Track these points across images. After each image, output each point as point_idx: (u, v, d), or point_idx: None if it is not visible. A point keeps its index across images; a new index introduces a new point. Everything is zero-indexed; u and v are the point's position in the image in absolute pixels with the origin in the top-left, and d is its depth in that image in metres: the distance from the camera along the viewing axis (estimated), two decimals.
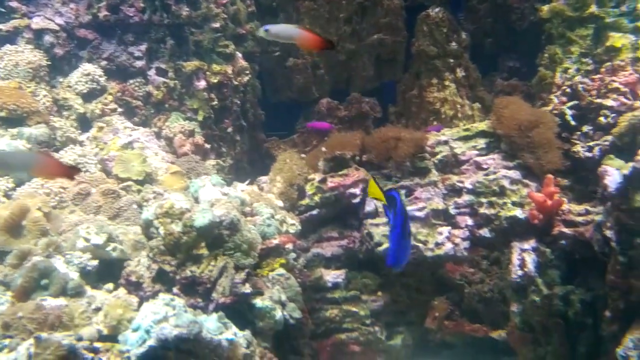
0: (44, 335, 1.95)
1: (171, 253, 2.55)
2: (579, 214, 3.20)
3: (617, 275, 2.67)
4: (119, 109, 3.82)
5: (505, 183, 3.46)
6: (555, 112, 3.56)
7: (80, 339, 2.05)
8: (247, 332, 2.32)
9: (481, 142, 3.74)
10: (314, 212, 3.73)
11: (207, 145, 3.90)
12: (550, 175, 3.23)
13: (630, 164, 2.65)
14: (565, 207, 3.22)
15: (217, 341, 2.17)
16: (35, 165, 2.12)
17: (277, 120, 5.28)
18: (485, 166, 3.61)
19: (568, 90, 3.57)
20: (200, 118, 4.09)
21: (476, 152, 3.70)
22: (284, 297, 2.77)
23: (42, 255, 2.40)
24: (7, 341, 2.00)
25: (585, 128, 3.42)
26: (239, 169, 4.52)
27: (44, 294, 2.26)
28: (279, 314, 2.64)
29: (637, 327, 2.53)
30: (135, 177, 3.20)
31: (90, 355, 1.99)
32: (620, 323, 2.66)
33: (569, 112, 3.50)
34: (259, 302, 2.62)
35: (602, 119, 3.34)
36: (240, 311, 2.57)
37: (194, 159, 3.64)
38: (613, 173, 2.79)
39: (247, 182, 3.48)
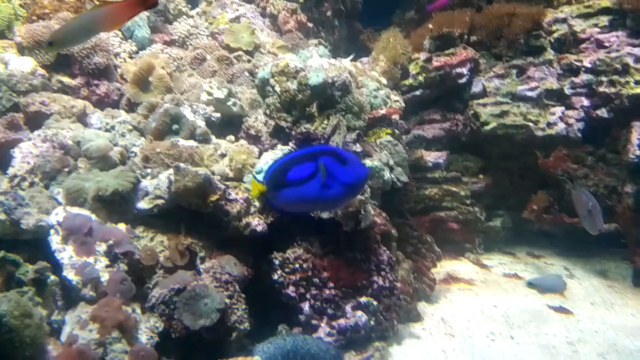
0: (182, 165, 2.11)
1: (286, 110, 2.63)
2: None
3: None
4: None
5: (630, 60, 3.20)
6: None
7: (213, 173, 2.20)
8: None
9: (604, 20, 3.45)
10: (417, 92, 3.67)
11: (310, 24, 3.87)
12: None
13: None
14: None
15: None
16: (104, 17, 1.79)
17: (374, 11, 5.10)
18: (607, 44, 3.35)
19: None
20: (301, 0, 4.03)
21: (598, 29, 3.43)
22: (391, 162, 2.81)
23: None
24: (149, 169, 2.19)
25: None
26: (337, 56, 4.47)
27: (176, 137, 2.43)
28: (387, 174, 2.69)
29: None
30: (245, 48, 3.27)
31: (223, 185, 2.14)
32: None
33: None
34: (368, 162, 2.67)
35: None
36: None
37: (298, 36, 3.64)
38: None
39: (350, 57, 3.45)
